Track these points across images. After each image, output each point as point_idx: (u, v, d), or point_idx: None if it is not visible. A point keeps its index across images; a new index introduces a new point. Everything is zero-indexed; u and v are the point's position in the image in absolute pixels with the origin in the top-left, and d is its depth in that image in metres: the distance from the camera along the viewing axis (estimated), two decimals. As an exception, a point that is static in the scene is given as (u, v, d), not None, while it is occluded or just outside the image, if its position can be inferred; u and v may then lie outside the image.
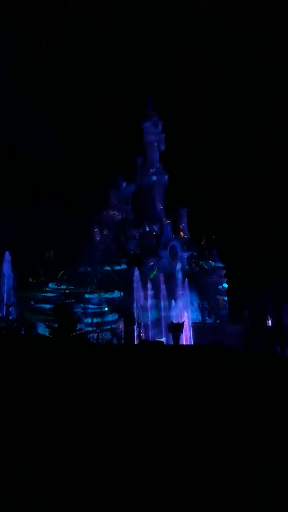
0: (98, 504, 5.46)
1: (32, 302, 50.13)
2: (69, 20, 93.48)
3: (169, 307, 53.66)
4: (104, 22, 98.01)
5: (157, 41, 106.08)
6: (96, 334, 44.41)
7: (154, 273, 55.85)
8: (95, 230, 66.36)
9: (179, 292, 55.71)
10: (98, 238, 66.26)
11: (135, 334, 41.85)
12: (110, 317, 51.70)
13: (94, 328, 46.45)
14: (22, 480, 5.92)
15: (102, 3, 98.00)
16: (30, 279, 53.19)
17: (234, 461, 6.65)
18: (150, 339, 45.83)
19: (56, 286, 53.69)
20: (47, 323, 30.05)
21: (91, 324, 47.96)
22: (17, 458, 6.47)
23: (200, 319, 57.86)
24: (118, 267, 59.06)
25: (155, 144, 68.35)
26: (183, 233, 66.76)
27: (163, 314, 52.04)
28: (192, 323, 51.87)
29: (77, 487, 5.77)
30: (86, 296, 53.18)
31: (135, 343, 40.40)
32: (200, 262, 65.18)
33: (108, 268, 58.69)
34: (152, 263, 58.81)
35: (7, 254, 42.76)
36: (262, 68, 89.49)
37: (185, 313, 51.64)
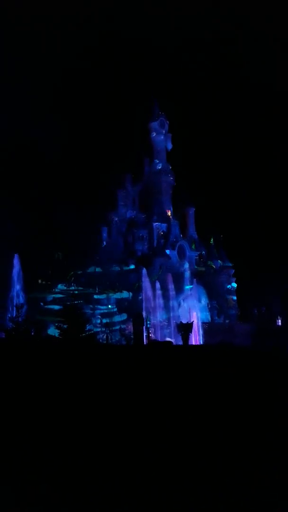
0: (101, 500, 5.53)
1: (42, 303, 50.39)
2: (73, 20, 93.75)
3: (178, 307, 53.64)
4: (110, 22, 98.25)
5: (163, 42, 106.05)
6: (105, 335, 44.50)
7: (159, 273, 55.79)
8: (103, 230, 66.56)
9: (188, 292, 55.64)
10: (106, 239, 66.44)
11: (144, 334, 41.86)
12: (119, 318, 51.76)
13: (103, 329, 46.56)
14: (26, 479, 6.00)
15: (109, 2, 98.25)
16: (39, 281, 53.58)
17: (241, 460, 6.70)
18: (159, 339, 45.86)
19: (65, 287, 53.95)
20: (56, 324, 30.17)
21: (100, 325, 48.08)
22: (21, 456, 6.54)
23: (209, 319, 57.74)
24: (127, 268, 59.11)
25: (162, 143, 68.28)
26: (191, 233, 66.67)
27: (172, 314, 52.04)
28: (201, 323, 51.84)
29: (81, 483, 5.83)
30: (95, 297, 53.29)
31: (144, 343, 40.44)
32: (209, 261, 65.03)
33: (117, 268, 58.77)
34: (160, 263, 58.77)
35: (16, 256, 43.13)
36: (266, 67, 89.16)
37: (194, 313, 51.55)
